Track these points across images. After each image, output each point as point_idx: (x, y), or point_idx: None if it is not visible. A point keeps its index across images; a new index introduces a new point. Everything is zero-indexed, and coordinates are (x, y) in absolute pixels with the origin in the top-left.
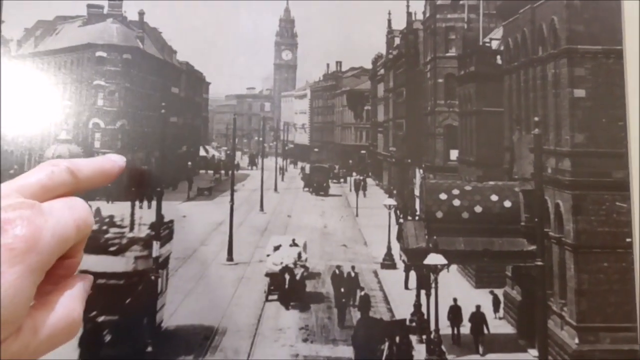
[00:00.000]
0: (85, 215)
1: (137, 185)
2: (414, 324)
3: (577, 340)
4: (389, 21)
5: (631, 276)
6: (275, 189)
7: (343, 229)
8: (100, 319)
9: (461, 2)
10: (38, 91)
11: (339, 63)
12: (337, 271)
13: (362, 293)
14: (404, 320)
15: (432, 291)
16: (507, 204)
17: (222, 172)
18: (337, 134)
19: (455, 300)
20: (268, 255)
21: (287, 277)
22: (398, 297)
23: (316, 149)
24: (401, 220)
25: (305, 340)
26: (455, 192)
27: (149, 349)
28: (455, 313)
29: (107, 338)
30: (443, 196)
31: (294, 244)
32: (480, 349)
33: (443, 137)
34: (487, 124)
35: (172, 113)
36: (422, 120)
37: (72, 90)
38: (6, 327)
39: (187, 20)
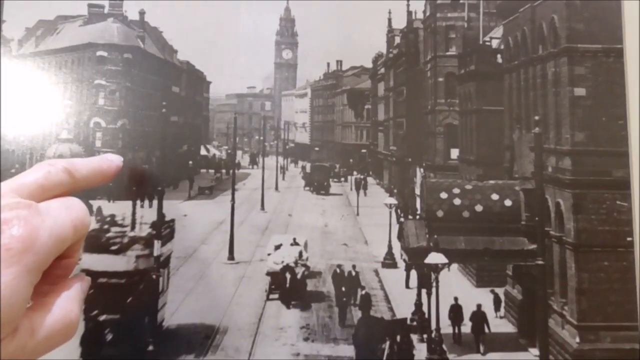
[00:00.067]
0: (83, 215)
1: (138, 184)
2: (414, 323)
3: (578, 339)
4: (389, 20)
5: (632, 275)
6: (276, 188)
7: (344, 228)
8: (102, 318)
9: (461, 1)
10: (39, 91)
11: (339, 62)
12: (338, 270)
13: (363, 292)
14: (405, 319)
15: (433, 290)
16: (508, 202)
17: (223, 171)
18: (338, 133)
19: (456, 299)
20: (269, 254)
21: (288, 276)
22: (399, 296)
23: (317, 148)
24: (402, 219)
25: (306, 339)
26: (456, 191)
27: (150, 348)
28: (456, 312)
29: (109, 337)
30: (444, 195)
31: (294, 243)
32: (481, 348)
33: (443, 136)
34: (487, 122)
35: (173, 112)
36: (423, 119)
37: (73, 90)
38: (3, 327)
39: (187, 19)
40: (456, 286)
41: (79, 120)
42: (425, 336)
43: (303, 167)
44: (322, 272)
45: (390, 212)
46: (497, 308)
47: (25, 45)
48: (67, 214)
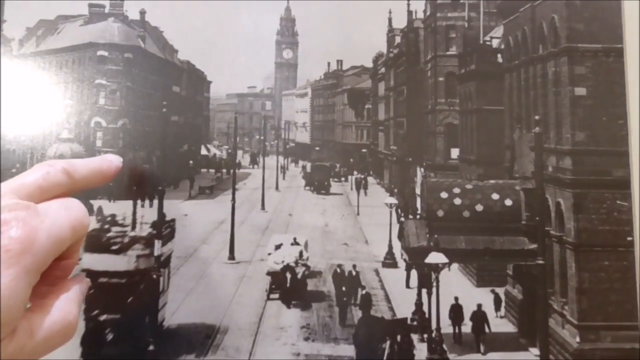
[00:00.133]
0: (81, 216)
1: (139, 184)
2: (415, 322)
3: (578, 339)
4: (390, 20)
5: (632, 275)
6: (277, 188)
7: (344, 227)
8: (102, 317)
9: (462, 1)
10: (40, 90)
11: (339, 62)
12: (338, 270)
13: (364, 292)
14: (405, 319)
15: (434, 290)
16: (508, 202)
17: (224, 170)
18: (338, 133)
19: (456, 299)
20: (269, 254)
21: (288, 275)
22: (399, 295)
23: (317, 148)
24: (402, 219)
25: (306, 339)
26: (456, 190)
27: (151, 347)
28: (456, 312)
29: (109, 337)
30: (444, 195)
31: (295, 242)
32: (482, 348)
33: (444, 136)
34: (487, 122)
35: (174, 112)
36: (423, 119)
37: (73, 89)
38: (2, 328)
39: (188, 19)
40: (456, 286)
41: (79, 119)
42: (425, 336)
43: (303, 167)
44: (323, 272)
45: (391, 212)
46: (497, 308)
47: (26, 45)
48: (66, 215)
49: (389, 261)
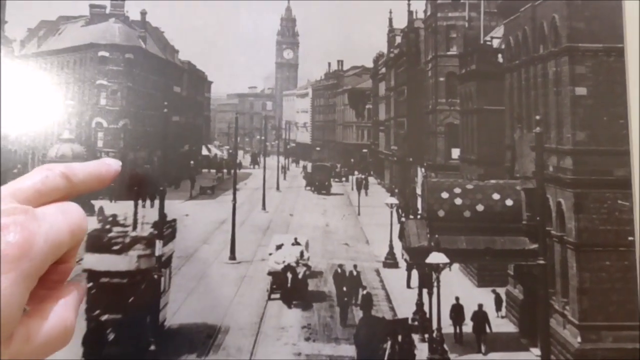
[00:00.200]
0: (79, 220)
1: (140, 184)
2: (416, 322)
3: (579, 339)
4: (390, 20)
5: (633, 275)
6: (277, 188)
7: (345, 227)
8: (104, 317)
9: (462, 1)
10: (41, 91)
11: (340, 62)
12: (339, 270)
13: (364, 292)
14: (406, 319)
15: (434, 290)
16: (509, 202)
17: (225, 170)
18: (339, 133)
19: (457, 299)
20: (270, 254)
21: (289, 275)
22: (400, 295)
23: (318, 148)
24: (403, 219)
25: (307, 339)
26: (457, 190)
27: (152, 347)
28: (457, 312)
29: (111, 336)
30: (445, 195)
31: (296, 242)
32: (483, 348)
33: (444, 136)
34: (488, 122)
35: (175, 112)
36: (424, 119)
37: (74, 90)
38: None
39: (189, 20)
40: (457, 286)
41: (80, 120)
42: (426, 336)
43: (304, 167)
44: (324, 272)
45: (392, 212)
46: (498, 308)
47: (27, 46)
48: (64, 219)
49: (390, 261)
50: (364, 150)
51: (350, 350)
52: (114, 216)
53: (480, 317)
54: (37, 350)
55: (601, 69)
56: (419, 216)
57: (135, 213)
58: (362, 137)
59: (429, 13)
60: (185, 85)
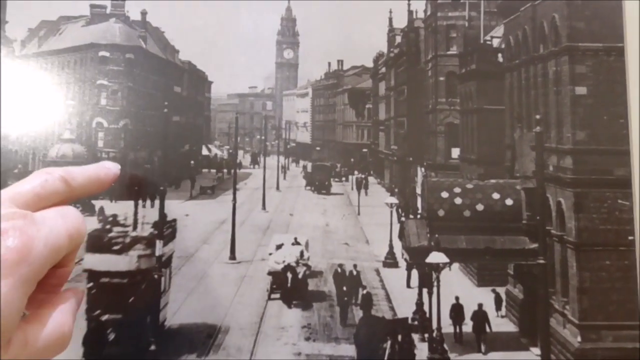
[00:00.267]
0: (78, 225)
1: (140, 184)
2: (416, 322)
3: (579, 339)
4: (390, 19)
5: (633, 274)
6: (277, 188)
7: (345, 227)
8: (104, 317)
9: (462, 0)
10: (42, 91)
11: (340, 62)
12: (339, 269)
13: (364, 291)
14: (406, 318)
15: (434, 289)
16: (509, 202)
17: (225, 170)
18: (339, 133)
19: (457, 298)
20: (270, 254)
21: (289, 275)
22: (400, 295)
23: (318, 148)
24: (403, 219)
25: (307, 339)
26: (457, 190)
27: (152, 347)
28: (457, 311)
29: (111, 336)
30: (445, 194)
31: (296, 242)
32: (483, 348)
33: (444, 135)
34: (488, 121)
35: (175, 112)
36: (424, 119)
37: (75, 90)
38: None
39: (189, 19)
40: (457, 285)
41: (81, 120)
42: (426, 335)
43: (304, 167)
44: (324, 272)
45: (391, 212)
46: (498, 307)
47: (28, 46)
48: (63, 223)
49: (390, 261)
50: (364, 150)
51: (350, 349)
52: (114, 216)
53: (480, 316)
54: (35, 355)
55: (601, 68)
56: (418, 216)
57: (136, 213)
58: (362, 137)
59: (429, 13)
60: (185, 85)
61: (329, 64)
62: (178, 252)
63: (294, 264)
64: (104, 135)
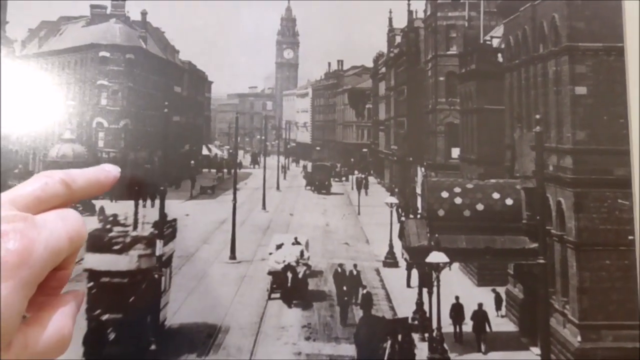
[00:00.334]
0: (78, 227)
1: (141, 184)
2: (416, 322)
3: (579, 338)
4: (390, 20)
5: (633, 274)
6: (278, 188)
7: (345, 227)
8: (104, 317)
9: (462, 1)
10: (42, 91)
11: (340, 62)
12: (339, 269)
13: (364, 291)
14: (406, 318)
15: (434, 289)
16: (509, 201)
17: (225, 170)
18: (339, 133)
19: (457, 298)
20: (270, 254)
21: (289, 275)
22: (400, 295)
23: (318, 148)
24: (403, 219)
25: (307, 339)
26: (457, 190)
27: (153, 347)
28: (457, 311)
29: (111, 336)
30: (445, 194)
31: (296, 242)
32: (483, 347)
33: (444, 135)
34: (488, 121)
35: (175, 112)
36: (424, 119)
37: (75, 90)
38: None
39: (189, 20)
40: (457, 285)
41: (81, 120)
42: (426, 335)
43: (304, 167)
44: (324, 271)
45: (392, 211)
46: (498, 307)
47: (28, 46)
48: (63, 226)
49: (390, 260)
50: (364, 150)
51: (350, 349)
52: (115, 216)
53: (480, 316)
54: (35, 358)
55: (601, 68)
56: (418, 215)
57: (136, 213)
58: (362, 137)
59: (428, 13)
60: (185, 85)
61: (329, 64)
62: (178, 252)
63: (294, 264)
64: (104, 136)
